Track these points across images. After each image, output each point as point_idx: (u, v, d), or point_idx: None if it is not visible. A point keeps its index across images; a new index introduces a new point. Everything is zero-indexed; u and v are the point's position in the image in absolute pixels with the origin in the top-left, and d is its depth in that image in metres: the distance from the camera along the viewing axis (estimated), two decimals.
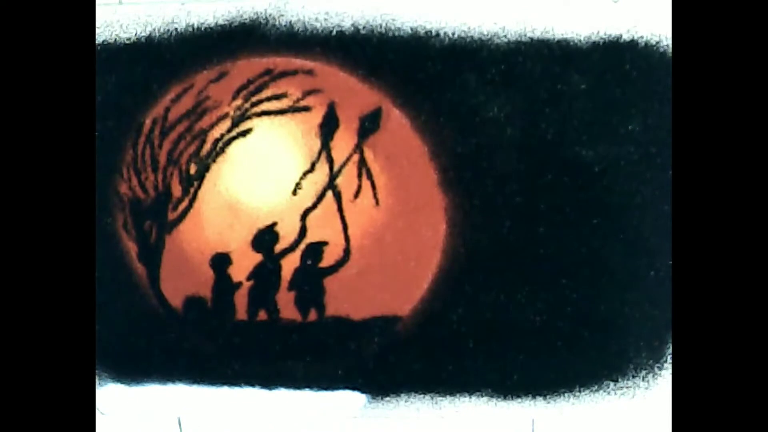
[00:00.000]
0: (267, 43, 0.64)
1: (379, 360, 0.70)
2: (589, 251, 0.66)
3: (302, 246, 0.67)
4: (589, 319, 0.68)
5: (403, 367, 0.71)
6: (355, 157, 0.65)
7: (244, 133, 0.66)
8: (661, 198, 0.64)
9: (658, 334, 0.68)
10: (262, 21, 0.64)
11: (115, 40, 0.65)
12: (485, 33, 0.63)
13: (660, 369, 0.70)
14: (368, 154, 0.65)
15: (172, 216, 0.68)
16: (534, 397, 0.70)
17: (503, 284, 0.67)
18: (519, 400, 0.70)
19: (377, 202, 0.66)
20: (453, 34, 0.63)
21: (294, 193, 0.66)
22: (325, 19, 0.63)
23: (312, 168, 0.66)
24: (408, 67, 0.63)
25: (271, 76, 0.64)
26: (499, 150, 0.64)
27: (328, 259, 0.68)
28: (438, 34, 0.63)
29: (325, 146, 0.65)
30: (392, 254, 0.67)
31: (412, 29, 0.63)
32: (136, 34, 0.64)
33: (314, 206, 0.66)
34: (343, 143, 0.65)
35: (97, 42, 0.64)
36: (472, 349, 0.69)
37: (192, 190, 0.67)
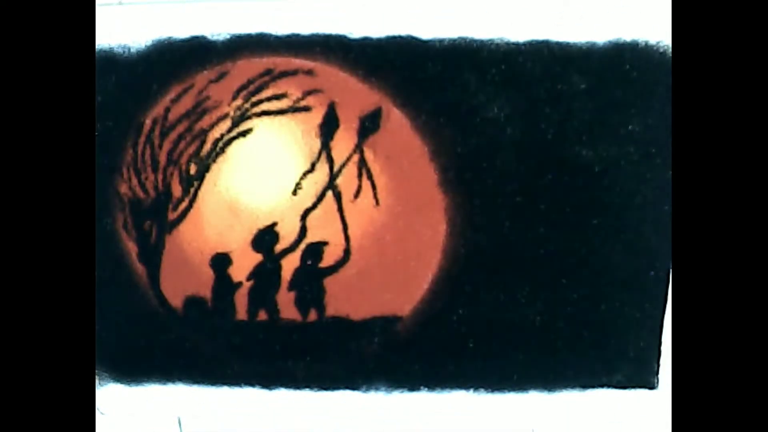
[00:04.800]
0: (267, 43, 0.64)
1: (379, 360, 0.70)
2: (589, 251, 0.66)
3: (302, 246, 0.67)
4: (589, 319, 0.68)
5: (403, 367, 0.71)
6: (355, 157, 0.65)
7: (244, 133, 0.66)
8: (661, 198, 0.65)
9: (659, 334, 0.68)
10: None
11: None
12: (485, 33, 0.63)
13: (660, 369, 0.70)
14: (368, 154, 0.65)
15: (172, 216, 0.68)
16: (534, 396, 0.70)
17: (503, 284, 0.68)
18: (519, 399, 0.70)
19: (377, 202, 0.66)
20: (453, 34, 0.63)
21: (294, 193, 0.66)
22: (326, 20, 0.63)
23: (312, 168, 0.66)
24: (408, 67, 0.63)
25: (271, 76, 0.64)
26: (499, 150, 0.64)
27: (328, 259, 0.68)
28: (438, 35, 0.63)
29: (325, 146, 0.65)
30: (392, 254, 0.67)
31: (412, 29, 0.63)
32: (136, 35, 0.64)
33: (314, 206, 0.66)
34: (343, 143, 0.65)
35: (96, 42, 0.64)
36: (472, 349, 0.69)
37: (192, 190, 0.67)
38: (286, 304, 0.69)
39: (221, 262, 0.68)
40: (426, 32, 0.62)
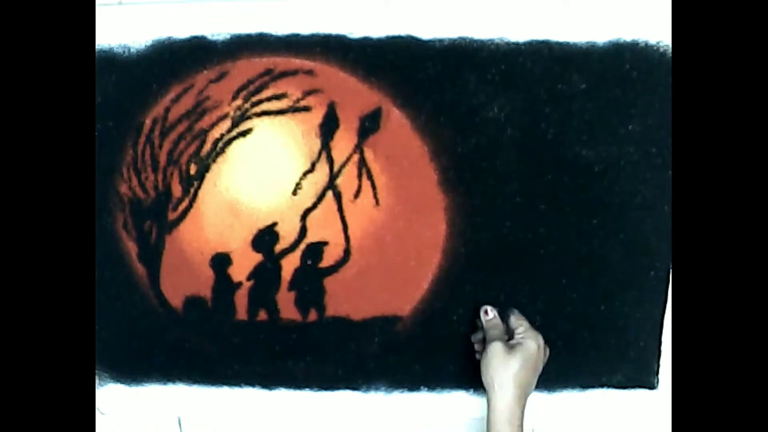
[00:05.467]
0: (267, 43, 0.64)
1: (379, 360, 0.70)
2: (589, 251, 0.66)
3: (302, 246, 0.67)
4: (589, 319, 0.68)
5: (403, 367, 0.71)
6: (355, 157, 0.65)
7: (244, 133, 0.66)
8: (661, 198, 0.65)
9: (658, 334, 0.68)
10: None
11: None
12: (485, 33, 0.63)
13: (660, 369, 0.70)
14: (368, 154, 0.65)
15: (172, 216, 0.68)
16: (534, 396, 0.70)
17: (503, 284, 0.68)
18: None
19: (377, 202, 0.66)
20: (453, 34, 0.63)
21: (294, 193, 0.66)
22: (326, 20, 0.63)
23: (312, 168, 0.66)
24: (408, 67, 0.63)
25: (271, 76, 0.64)
26: (499, 150, 0.64)
27: (328, 259, 0.68)
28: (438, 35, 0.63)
29: (325, 146, 0.65)
30: (392, 254, 0.67)
31: (412, 29, 0.63)
32: (136, 35, 0.64)
33: (314, 206, 0.66)
34: (343, 143, 0.65)
35: (96, 42, 0.64)
36: (472, 349, 0.68)
37: (192, 190, 0.67)
38: (286, 304, 0.69)
39: (221, 262, 0.68)
40: (426, 32, 0.62)
